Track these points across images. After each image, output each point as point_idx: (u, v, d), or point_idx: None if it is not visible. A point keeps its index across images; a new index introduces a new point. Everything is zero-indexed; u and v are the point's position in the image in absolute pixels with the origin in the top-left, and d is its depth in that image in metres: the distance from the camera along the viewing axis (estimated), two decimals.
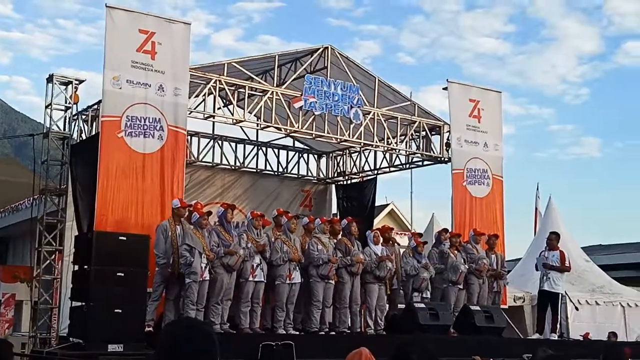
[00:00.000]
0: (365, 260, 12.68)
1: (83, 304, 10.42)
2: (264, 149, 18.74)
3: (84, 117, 14.16)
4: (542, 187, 22.27)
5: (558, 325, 14.41)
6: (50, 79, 13.96)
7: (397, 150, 17.18)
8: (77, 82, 14.12)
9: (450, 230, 14.89)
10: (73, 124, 14.20)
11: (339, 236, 13.00)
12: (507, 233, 16.41)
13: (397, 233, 15.42)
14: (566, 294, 14.66)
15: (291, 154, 19.25)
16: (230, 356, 8.87)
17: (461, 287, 13.95)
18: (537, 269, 14.61)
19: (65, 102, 14.12)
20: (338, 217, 16.95)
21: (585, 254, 20.37)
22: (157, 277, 11.14)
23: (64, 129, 14.21)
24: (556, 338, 14.08)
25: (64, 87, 14.09)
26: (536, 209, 22.04)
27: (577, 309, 15.87)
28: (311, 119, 14.97)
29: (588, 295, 17.79)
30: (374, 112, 15.66)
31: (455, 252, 14.06)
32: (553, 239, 14.50)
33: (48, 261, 13.78)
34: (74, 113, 14.16)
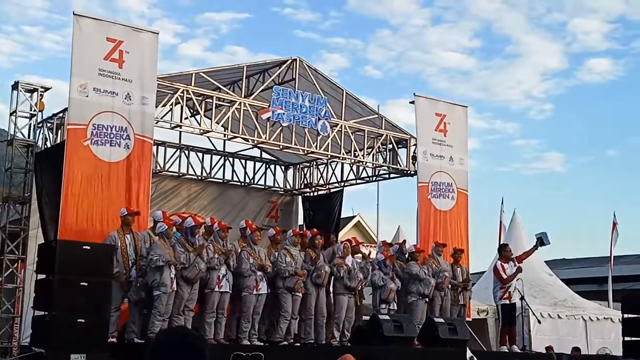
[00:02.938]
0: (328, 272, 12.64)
1: (46, 313, 10.30)
2: (230, 159, 18.72)
3: (49, 124, 14.05)
4: (506, 201, 22.37)
5: (520, 338, 14.54)
6: (15, 86, 13.83)
7: (364, 163, 17.25)
8: (42, 89, 14.01)
9: (412, 243, 14.94)
10: (38, 131, 14.08)
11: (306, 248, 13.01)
12: (471, 246, 16.54)
13: (363, 245, 15.39)
14: (529, 307, 14.79)
15: (258, 164, 19.26)
16: None
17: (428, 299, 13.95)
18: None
19: (31, 110, 14.00)
20: (305, 228, 16.96)
21: (548, 268, 20.61)
22: (114, 288, 10.92)
23: (29, 137, 14.08)
24: (518, 351, 14.19)
25: (30, 94, 13.97)
26: (501, 222, 22.18)
27: (539, 322, 16.01)
28: (278, 130, 14.99)
29: (550, 309, 17.98)
30: (342, 125, 15.72)
31: (423, 266, 14.10)
32: (509, 251, 14.67)
33: (10, 270, 13.61)
34: (39, 121, 14.04)
